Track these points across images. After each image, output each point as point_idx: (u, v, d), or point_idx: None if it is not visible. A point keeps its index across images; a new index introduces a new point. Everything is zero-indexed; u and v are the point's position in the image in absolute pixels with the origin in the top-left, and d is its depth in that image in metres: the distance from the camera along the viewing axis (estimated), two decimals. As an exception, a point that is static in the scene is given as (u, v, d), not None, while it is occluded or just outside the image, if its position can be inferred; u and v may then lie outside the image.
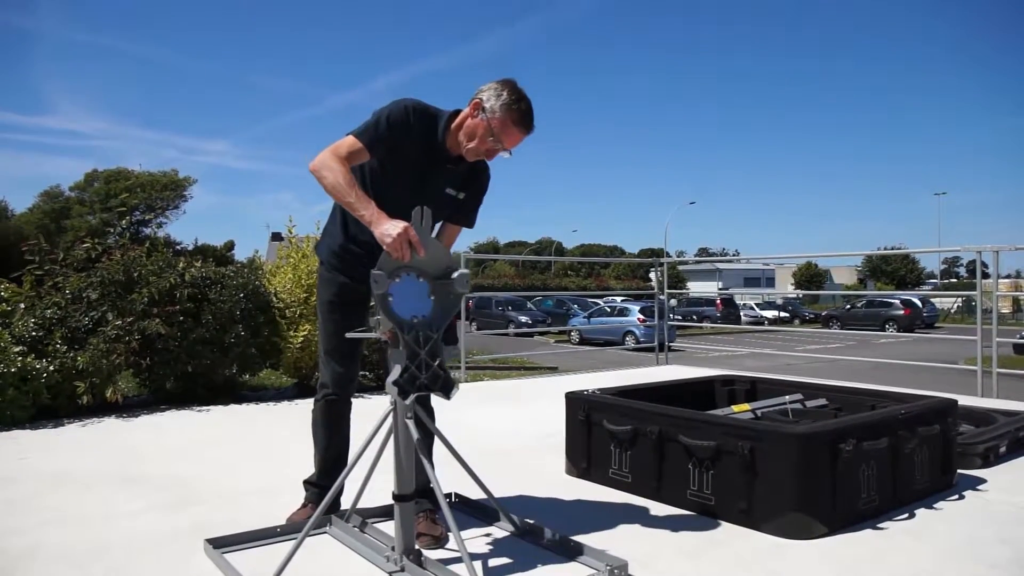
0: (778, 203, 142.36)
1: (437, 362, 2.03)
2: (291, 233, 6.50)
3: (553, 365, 14.09)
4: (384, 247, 1.99)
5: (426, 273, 2.06)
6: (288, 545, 2.09)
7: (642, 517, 2.64)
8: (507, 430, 4.31)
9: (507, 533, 2.44)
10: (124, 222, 30.33)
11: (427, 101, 2.32)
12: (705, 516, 2.62)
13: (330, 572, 2.16)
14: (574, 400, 3.21)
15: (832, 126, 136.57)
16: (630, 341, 20.88)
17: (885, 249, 41.37)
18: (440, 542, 2.34)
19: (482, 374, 9.42)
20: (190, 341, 5.14)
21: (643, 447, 2.85)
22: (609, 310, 24.10)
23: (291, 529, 2.38)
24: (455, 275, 2.09)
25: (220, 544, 2.27)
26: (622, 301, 24.55)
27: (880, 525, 2.53)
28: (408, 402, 2.05)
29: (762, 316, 35.60)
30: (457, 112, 2.29)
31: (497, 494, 2.41)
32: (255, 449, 3.88)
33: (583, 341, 22.80)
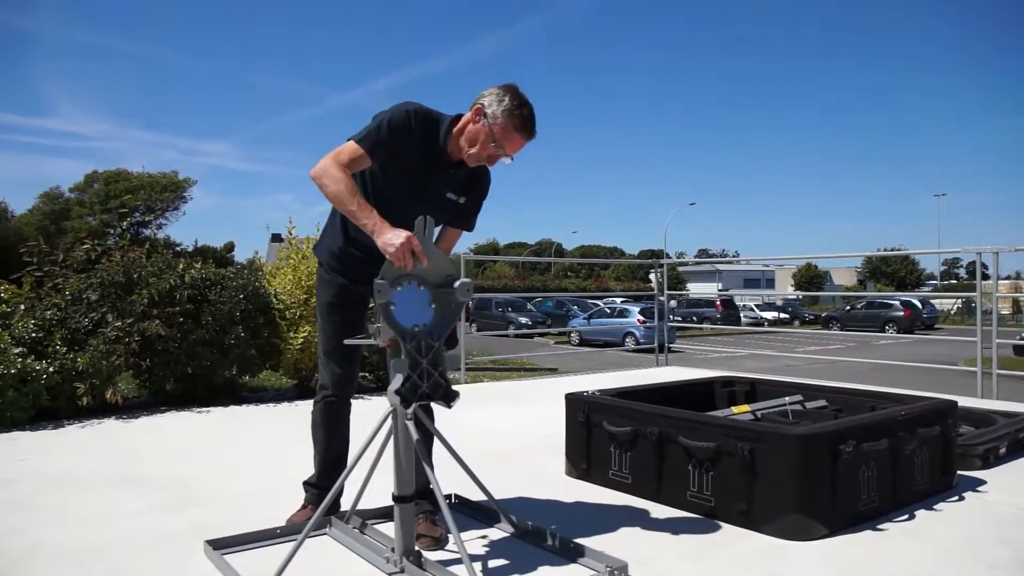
0: (778, 204, 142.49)
1: (439, 371, 2.03)
2: (291, 234, 6.50)
3: (553, 366, 14.09)
4: (387, 256, 1.99)
5: (427, 281, 2.05)
6: (288, 546, 2.09)
7: (642, 518, 2.64)
8: (507, 431, 4.31)
9: (507, 534, 2.44)
10: (124, 223, 30.33)
11: (427, 103, 2.31)
12: (705, 517, 2.61)
13: (330, 573, 2.16)
14: (574, 401, 3.21)
15: (832, 127, 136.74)
16: (630, 342, 20.87)
17: (885, 250, 41.37)
18: (440, 543, 2.34)
19: (482, 375, 9.42)
20: (190, 342, 5.14)
21: (643, 448, 2.85)
22: (609, 311, 24.10)
23: (291, 530, 2.38)
24: (457, 284, 2.09)
25: (220, 545, 2.27)
26: (622, 302, 24.54)
27: (880, 526, 2.53)
28: (410, 411, 2.05)
29: (762, 317, 35.59)
30: (459, 117, 2.28)
31: (497, 495, 2.41)
32: (255, 450, 3.88)
33: (583, 342, 22.79)
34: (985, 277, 6.76)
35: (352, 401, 2.59)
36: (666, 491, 2.77)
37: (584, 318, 24.60)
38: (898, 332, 28.09)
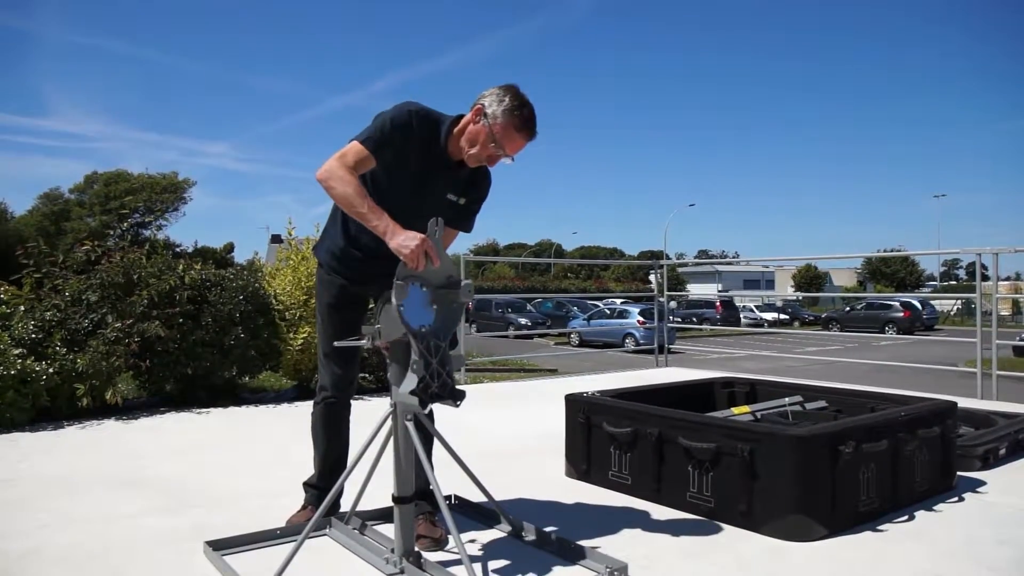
0: (778, 205, 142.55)
1: (447, 370, 2.03)
2: (291, 235, 6.51)
3: (553, 367, 14.09)
4: (402, 258, 1.99)
5: (428, 282, 2.05)
6: (288, 547, 2.09)
7: (642, 519, 2.64)
8: (507, 432, 4.31)
9: (507, 535, 2.44)
10: (124, 224, 30.33)
11: (427, 104, 2.31)
12: (705, 518, 2.61)
13: (329, 574, 2.16)
14: (574, 402, 3.21)
15: (832, 128, 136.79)
16: (630, 343, 20.87)
17: (885, 251, 41.34)
18: (440, 544, 2.34)
19: (482, 376, 9.42)
20: (190, 343, 5.14)
21: (643, 449, 2.85)
22: (609, 312, 24.09)
23: (291, 531, 2.38)
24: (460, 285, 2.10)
25: (220, 546, 2.27)
26: (622, 303, 24.53)
27: (880, 527, 2.53)
28: (425, 410, 2.05)
29: (762, 318, 35.60)
30: (460, 118, 2.28)
31: (497, 496, 2.41)
32: (255, 451, 3.87)
33: (583, 343, 22.79)
34: (985, 278, 6.77)
35: (352, 402, 2.59)
36: (666, 492, 2.77)
37: (584, 319, 24.60)
38: (898, 333, 28.10)
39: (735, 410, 3.33)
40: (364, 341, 2.10)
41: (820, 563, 2.23)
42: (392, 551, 2.12)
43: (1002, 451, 3.40)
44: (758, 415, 3.27)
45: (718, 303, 31.99)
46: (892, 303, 30.97)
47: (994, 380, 5.41)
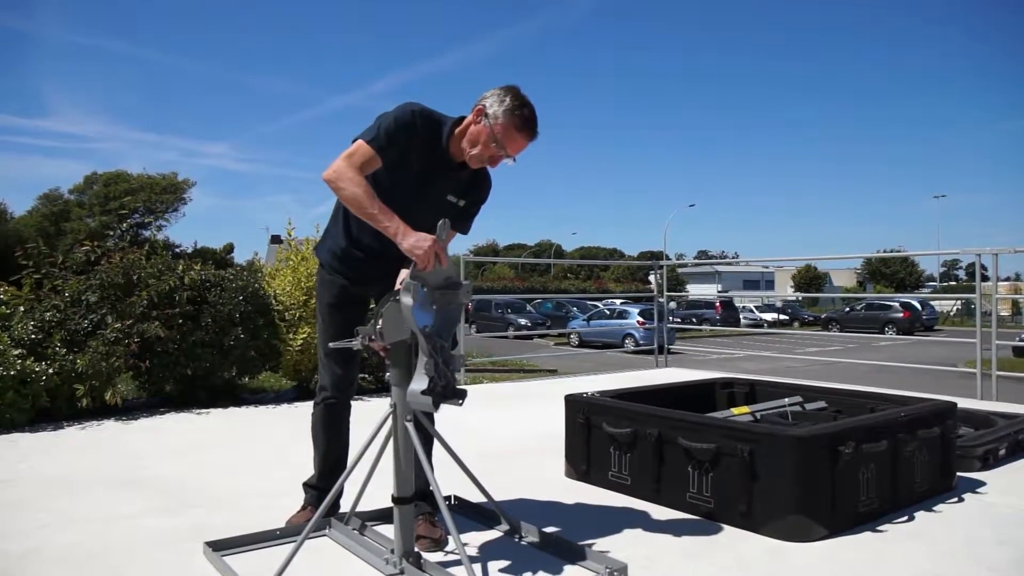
0: (777, 206, 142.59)
1: (451, 370, 2.03)
2: (290, 235, 6.50)
3: (552, 367, 14.10)
4: (414, 259, 2.00)
5: (427, 283, 2.06)
6: (287, 548, 2.09)
7: (642, 520, 2.64)
8: (506, 433, 4.31)
9: (506, 536, 2.44)
10: (124, 225, 30.31)
11: (428, 104, 2.31)
12: (705, 519, 2.61)
13: (329, 575, 2.16)
14: (573, 403, 3.21)
15: (832, 128, 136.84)
16: (629, 344, 20.87)
17: (884, 252, 41.37)
18: (439, 545, 2.34)
19: (482, 376, 9.43)
20: (189, 344, 5.14)
21: (643, 450, 2.85)
22: (608, 313, 24.10)
23: (290, 532, 2.38)
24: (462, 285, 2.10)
25: (219, 547, 2.27)
26: (621, 304, 24.54)
27: (880, 527, 2.53)
28: (437, 411, 2.04)
29: (761, 319, 35.61)
30: (461, 119, 2.28)
31: (497, 497, 2.41)
32: (254, 452, 3.87)
33: (582, 344, 22.80)
34: (984, 279, 6.77)
35: (352, 403, 2.59)
36: (666, 492, 2.77)
37: (584, 319, 24.61)
38: (897, 333, 28.12)
39: (735, 411, 3.33)
40: (355, 342, 2.10)
41: (820, 563, 2.24)
42: (392, 552, 2.12)
43: (1002, 452, 3.40)
44: (758, 416, 3.27)
45: (718, 303, 31.99)
46: (892, 304, 30.99)
47: (994, 381, 5.41)
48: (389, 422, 2.12)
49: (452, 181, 2.33)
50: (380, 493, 2.34)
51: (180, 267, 5.44)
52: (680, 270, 49.33)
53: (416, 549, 2.14)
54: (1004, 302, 34.13)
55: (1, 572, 2.21)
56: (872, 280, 58.72)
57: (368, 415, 2.22)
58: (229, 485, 3.14)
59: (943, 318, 37.15)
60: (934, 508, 2.76)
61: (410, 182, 2.28)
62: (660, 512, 2.72)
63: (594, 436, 3.08)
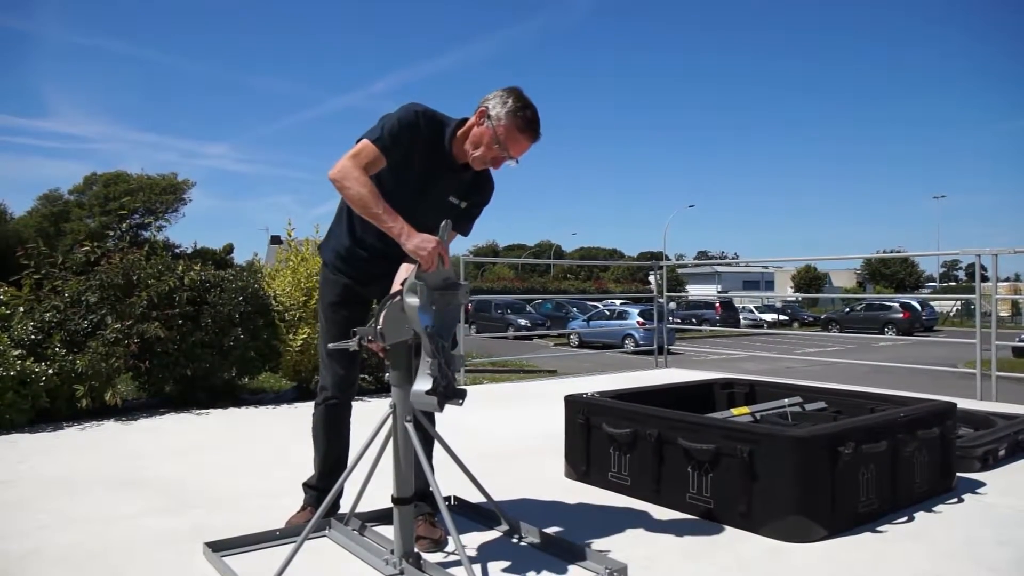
0: (778, 205, 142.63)
1: (452, 370, 2.03)
2: (290, 236, 6.50)
3: (552, 368, 14.10)
4: (419, 259, 2.00)
5: (427, 284, 2.06)
6: (287, 548, 2.09)
7: (642, 520, 2.64)
8: (506, 433, 4.31)
9: (506, 536, 2.44)
10: (123, 225, 30.33)
11: (428, 104, 2.32)
12: (704, 519, 2.61)
13: (329, 575, 2.16)
14: (573, 403, 3.21)
15: (832, 129, 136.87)
16: (629, 344, 20.88)
17: (884, 252, 41.39)
18: (439, 545, 2.34)
19: (481, 377, 9.43)
20: (189, 344, 5.14)
21: (642, 450, 2.85)
22: (608, 313, 24.11)
23: (290, 532, 2.38)
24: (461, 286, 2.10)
25: (219, 547, 2.27)
26: (621, 304, 24.56)
27: (879, 528, 2.53)
28: (441, 411, 2.04)
29: (761, 319, 35.61)
30: (464, 120, 2.29)
31: (496, 497, 2.41)
32: (254, 452, 3.87)
33: (582, 344, 22.81)
34: (984, 279, 6.77)
35: (352, 403, 2.59)
36: (665, 493, 2.77)
37: (583, 320, 24.62)
38: (897, 334, 28.13)
39: (734, 411, 3.33)
40: (352, 343, 2.10)
41: (820, 564, 2.24)
42: (392, 552, 2.12)
43: (1001, 452, 3.40)
44: (757, 416, 3.27)
45: (717, 304, 32.00)
46: (891, 304, 30.99)
47: (993, 381, 5.41)
48: (389, 422, 2.12)
49: (454, 182, 2.33)
50: (380, 494, 2.34)
51: (180, 268, 5.44)
52: (680, 270, 49.33)
53: (416, 550, 2.14)
54: (1004, 303, 34.14)
55: (1, 573, 2.21)
56: (872, 281, 58.75)
57: (368, 415, 2.23)
58: (229, 485, 3.14)
59: (943, 319, 37.15)
60: (934, 509, 2.76)
61: (412, 183, 2.29)
62: (660, 512, 2.72)
63: (594, 436, 3.08)
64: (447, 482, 2.42)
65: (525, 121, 2.21)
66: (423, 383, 1.96)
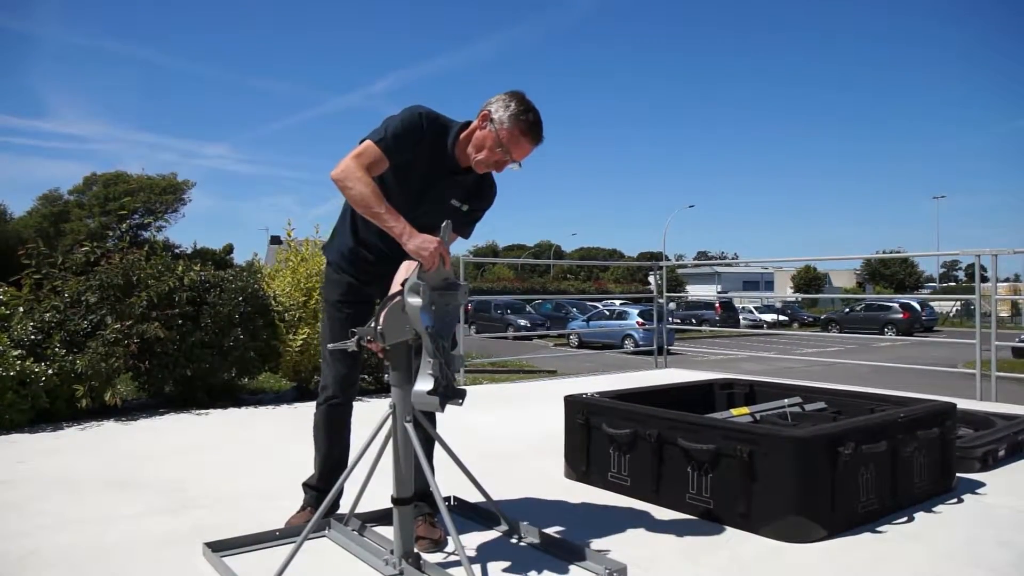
0: (777, 206, 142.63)
1: (452, 370, 2.03)
2: (290, 236, 6.50)
3: (552, 368, 14.10)
4: (420, 260, 2.00)
5: (426, 284, 2.06)
6: (287, 548, 2.09)
7: (641, 520, 2.64)
8: (506, 433, 4.31)
9: (506, 537, 2.44)
10: (123, 226, 30.30)
11: (426, 105, 2.33)
12: (704, 520, 2.61)
13: (329, 576, 2.16)
14: (573, 403, 3.21)
15: (831, 129, 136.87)
16: (629, 344, 20.88)
17: (884, 252, 41.40)
18: (439, 546, 2.34)
19: (481, 377, 9.43)
20: (189, 344, 5.14)
21: (642, 450, 2.85)
22: (608, 313, 24.11)
23: (290, 532, 2.38)
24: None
25: (219, 547, 2.27)
26: (621, 304, 24.57)
27: (879, 528, 2.53)
28: (443, 412, 2.04)
29: (761, 319, 35.61)
30: (467, 124, 2.30)
31: (496, 498, 2.41)
32: (254, 452, 3.87)
33: (582, 344, 22.81)
34: (984, 279, 6.76)
35: (353, 403, 2.59)
36: (665, 493, 2.77)
37: (583, 320, 24.62)
38: (897, 334, 28.13)
39: (734, 411, 3.33)
40: (351, 343, 2.11)
41: (819, 564, 2.24)
42: (391, 552, 2.12)
43: (1001, 452, 3.40)
44: (757, 416, 3.27)
45: (717, 304, 31.98)
46: (891, 304, 30.99)
47: (993, 381, 5.41)
48: (389, 423, 2.12)
49: (456, 185, 2.34)
50: (380, 494, 2.34)
51: (180, 268, 5.44)
52: (680, 271, 49.33)
53: (415, 550, 2.14)
54: (1003, 303, 34.12)
55: (1, 573, 2.20)
56: (872, 281, 58.75)
57: (368, 415, 2.23)
58: (229, 485, 3.14)
59: (942, 319, 37.16)
60: (934, 509, 2.76)
61: (415, 185, 2.30)
62: (660, 513, 2.72)
63: (594, 437, 3.08)
64: (447, 482, 2.42)
65: (528, 125, 2.22)
66: (424, 383, 1.97)
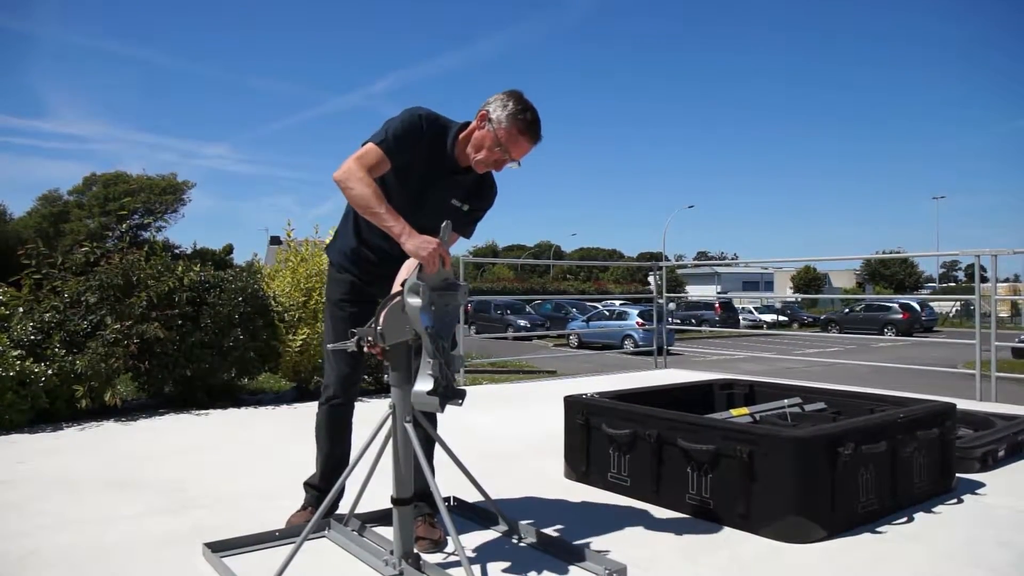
0: (777, 206, 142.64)
1: (452, 371, 2.03)
2: (289, 237, 6.50)
3: (552, 369, 14.09)
4: (419, 260, 2.01)
5: (426, 284, 2.06)
6: (287, 549, 2.09)
7: (641, 521, 2.64)
8: (506, 434, 4.31)
9: (506, 537, 2.44)
10: (123, 226, 30.29)
11: (426, 106, 2.36)
12: (704, 520, 2.61)
13: (329, 576, 2.16)
14: (573, 404, 3.21)
15: (831, 129, 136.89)
16: (629, 345, 20.88)
17: (884, 253, 41.44)
18: (439, 546, 2.34)
19: (481, 378, 9.43)
20: (189, 345, 5.14)
21: (642, 451, 2.85)
22: (608, 314, 24.11)
23: (290, 533, 2.38)
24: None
25: (219, 548, 2.27)
26: (621, 305, 24.56)
27: (879, 529, 2.53)
28: (442, 412, 2.04)
29: (761, 320, 35.61)
30: (466, 124, 2.32)
31: (496, 498, 2.41)
32: (254, 453, 3.87)
33: (582, 345, 22.81)
34: (984, 280, 6.77)
35: (355, 403, 2.59)
36: (665, 493, 2.77)
37: (583, 320, 24.61)
38: (897, 335, 28.14)
39: (734, 412, 3.33)
40: (350, 344, 2.11)
41: (819, 565, 2.24)
42: (391, 553, 2.12)
43: (1001, 453, 3.40)
44: (757, 417, 3.27)
45: (717, 304, 31.99)
46: (891, 305, 30.98)
47: (993, 382, 5.42)
48: (389, 423, 2.13)
49: (457, 185, 2.35)
50: (380, 494, 2.34)
51: (179, 268, 5.44)
52: (680, 271, 49.34)
53: (415, 550, 2.14)
54: (1003, 303, 34.13)
55: (1, 573, 2.20)
56: (871, 281, 58.76)
57: (368, 415, 2.23)
58: (229, 486, 3.14)
59: (942, 319, 37.16)
60: (933, 509, 2.76)
61: (415, 185, 2.31)
62: (659, 513, 2.72)
63: (593, 437, 3.08)
64: (447, 483, 2.42)
65: (526, 123, 2.24)
66: (424, 383, 1.97)
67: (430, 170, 2.30)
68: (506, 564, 2.22)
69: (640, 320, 21.68)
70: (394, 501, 2.10)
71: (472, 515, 2.61)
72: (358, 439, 2.26)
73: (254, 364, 5.53)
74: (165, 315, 5.06)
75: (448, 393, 1.98)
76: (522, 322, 26.67)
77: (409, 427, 2.06)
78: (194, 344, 5.15)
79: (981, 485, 3.07)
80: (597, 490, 3.02)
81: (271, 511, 2.65)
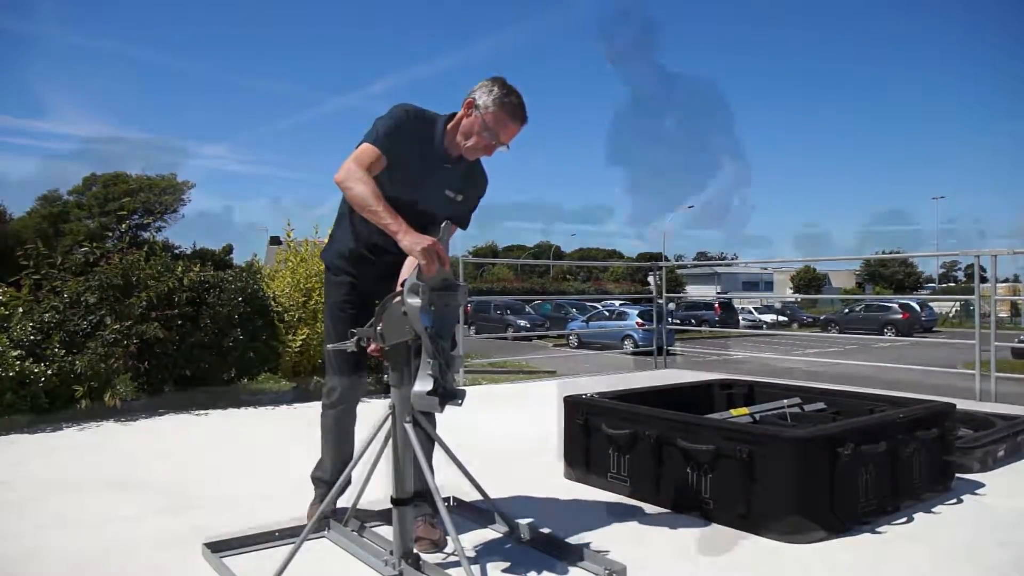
0: (777, 206, 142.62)
1: (451, 371, 2.03)
2: (289, 237, 6.50)
3: (551, 369, 14.08)
4: (417, 259, 2.02)
5: (425, 284, 2.06)
6: (286, 549, 2.09)
7: (641, 521, 2.64)
8: (505, 434, 4.31)
9: (506, 537, 2.44)
10: (123, 226, 30.28)
11: (426, 106, 2.40)
12: (704, 520, 2.61)
13: (329, 576, 2.16)
14: (572, 404, 3.21)
15: (830, 129, 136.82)
16: (628, 345, 20.87)
17: (883, 253, 41.48)
18: (438, 546, 2.34)
19: (480, 378, 9.42)
20: (188, 345, 5.14)
21: (642, 451, 2.85)
22: (607, 314, 24.11)
23: (289, 533, 2.38)
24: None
25: (218, 548, 2.27)
26: (620, 305, 24.56)
27: (878, 529, 2.53)
28: (442, 412, 2.04)
29: (760, 320, 35.59)
30: (453, 115, 2.36)
31: (495, 498, 2.41)
32: (253, 453, 3.87)
33: (581, 345, 22.80)
34: (983, 280, 6.76)
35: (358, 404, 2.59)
36: (664, 493, 2.77)
37: (583, 321, 24.61)
38: (896, 335, 28.11)
39: (733, 412, 3.33)
40: (350, 344, 2.11)
41: (819, 565, 2.24)
42: (391, 553, 2.12)
43: (1000, 453, 3.40)
44: (757, 417, 3.27)
45: (717, 305, 31.97)
46: (891, 305, 30.96)
47: (993, 382, 5.41)
48: (388, 423, 2.12)
49: (449, 176, 2.38)
50: (379, 494, 2.34)
51: (179, 268, 5.44)
52: (679, 271, 49.34)
53: (415, 550, 2.14)
54: (1003, 303, 34.07)
55: (1, 573, 2.20)
56: (871, 281, 58.76)
57: (368, 415, 2.23)
58: (228, 486, 3.14)
59: (942, 319, 37.13)
60: (933, 509, 2.76)
61: (409, 179, 2.33)
62: (659, 513, 2.72)
63: (593, 437, 3.08)
64: (446, 483, 2.42)
65: (512, 107, 2.29)
66: (424, 384, 1.97)
67: (421, 163, 2.34)
68: (506, 564, 2.22)
69: (640, 320, 21.67)
70: (394, 501, 2.10)
71: (472, 515, 2.61)
72: (358, 439, 2.26)
73: (254, 364, 5.53)
74: (165, 315, 5.06)
75: (448, 393, 1.98)
76: (522, 322, 26.66)
77: (409, 427, 2.06)
78: (194, 344, 5.15)
79: (981, 485, 3.07)
80: (597, 490, 3.02)
81: (271, 511, 2.65)
